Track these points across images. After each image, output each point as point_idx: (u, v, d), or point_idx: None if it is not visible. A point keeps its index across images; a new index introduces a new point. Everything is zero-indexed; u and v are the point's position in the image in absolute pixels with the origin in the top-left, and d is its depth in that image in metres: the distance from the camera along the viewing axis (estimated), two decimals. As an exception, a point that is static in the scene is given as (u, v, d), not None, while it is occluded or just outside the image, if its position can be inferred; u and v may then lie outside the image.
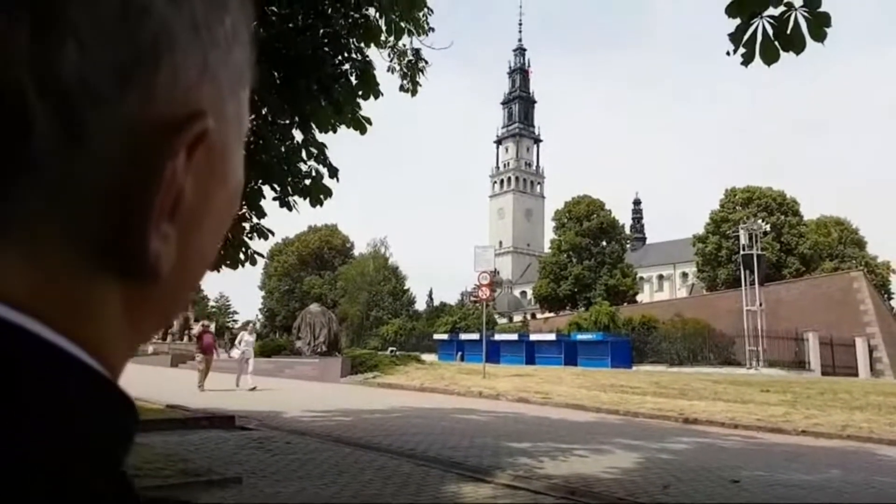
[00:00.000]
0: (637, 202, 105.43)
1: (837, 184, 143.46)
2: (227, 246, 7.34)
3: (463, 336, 35.72)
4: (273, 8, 6.68)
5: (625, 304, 49.34)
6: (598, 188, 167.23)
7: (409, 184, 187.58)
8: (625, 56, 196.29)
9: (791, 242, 50.62)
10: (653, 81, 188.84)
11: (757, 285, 33.35)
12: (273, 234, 7.58)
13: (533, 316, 62.60)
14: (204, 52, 0.29)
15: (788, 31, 3.70)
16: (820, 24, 3.68)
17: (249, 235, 7.48)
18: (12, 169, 0.24)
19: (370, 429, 9.44)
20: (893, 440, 9.28)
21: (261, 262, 8.30)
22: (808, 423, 10.68)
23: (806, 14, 3.69)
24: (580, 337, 31.93)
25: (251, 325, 20.15)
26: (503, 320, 58.75)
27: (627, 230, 73.45)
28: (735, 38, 3.78)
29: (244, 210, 7.35)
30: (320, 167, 7.45)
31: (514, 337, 35.17)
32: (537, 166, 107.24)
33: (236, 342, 18.55)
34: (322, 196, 7.42)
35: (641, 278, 72.28)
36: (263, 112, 7.21)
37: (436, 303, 67.27)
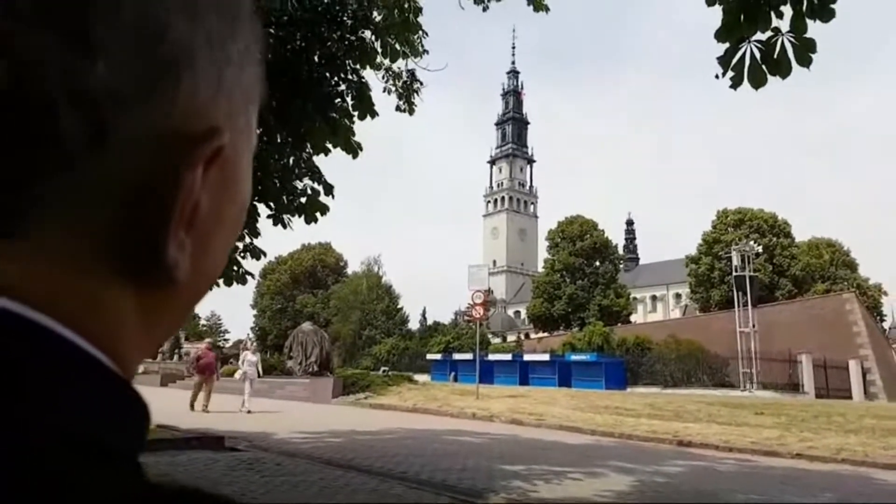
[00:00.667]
0: (630, 222, 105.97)
1: (829, 206, 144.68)
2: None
3: (456, 356, 35.56)
4: (271, 30, 6.75)
5: (618, 324, 49.29)
6: (590, 208, 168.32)
7: (404, 202, 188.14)
8: (618, 78, 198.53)
9: (783, 264, 50.83)
10: (646, 102, 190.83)
11: (750, 307, 33.42)
12: (265, 254, 7.59)
13: (527, 336, 62.52)
14: (220, 69, 0.30)
15: (775, 56, 3.77)
16: (805, 50, 3.76)
17: (242, 254, 7.48)
18: (42, 171, 0.25)
19: (362, 450, 9.36)
20: (888, 464, 9.25)
21: (253, 279, 8.29)
22: (802, 446, 10.64)
23: (792, 39, 3.77)
24: (574, 357, 31.85)
25: (253, 343, 19.98)
26: (497, 340, 58.51)
27: (620, 250, 73.58)
28: (724, 61, 3.85)
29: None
30: (315, 185, 7.48)
31: (508, 357, 35.05)
32: (531, 186, 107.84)
33: (239, 362, 17.67)
34: (317, 213, 7.44)
35: (635, 298, 72.31)
36: (259, 131, 7.25)
37: (429, 322, 66.95)
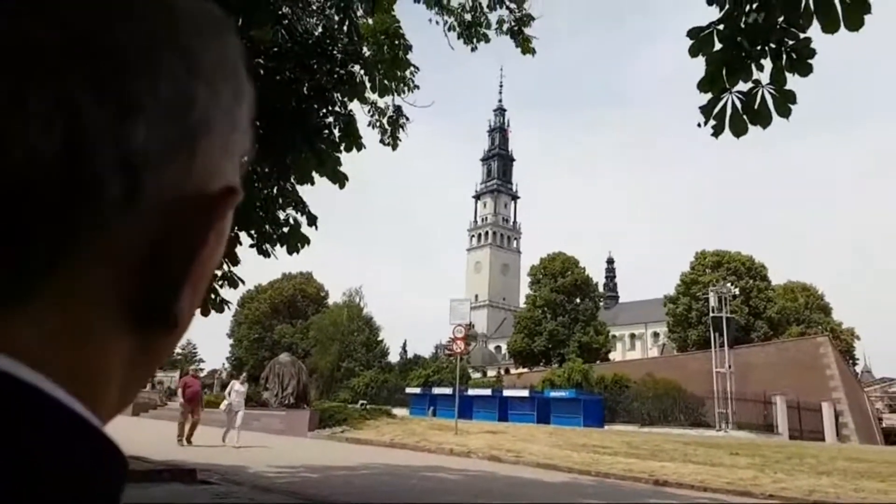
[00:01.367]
0: (610, 261, 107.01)
1: (805, 250, 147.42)
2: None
3: (436, 390, 35.19)
4: (261, 60, 6.83)
5: (597, 361, 49.32)
6: (572, 246, 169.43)
7: (388, 234, 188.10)
8: (602, 120, 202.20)
9: (759, 306, 51.45)
10: (629, 144, 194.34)
11: (726, 347, 33.73)
12: (244, 282, 7.53)
13: (507, 371, 62.19)
14: (229, 134, 0.34)
15: (756, 107, 3.90)
16: (785, 101, 3.89)
17: (220, 283, 7.42)
18: (80, 229, 0.28)
19: (337, 486, 9.20)
20: (860, 506, 9.32)
21: (230, 309, 8.21)
22: (775, 487, 10.67)
23: (772, 91, 3.90)
24: (553, 394, 31.73)
25: (244, 374, 18.18)
26: (477, 375, 58.10)
27: (601, 288, 74.12)
28: (706, 110, 3.97)
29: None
30: (298, 215, 7.49)
31: (488, 392, 34.80)
32: (514, 222, 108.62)
33: (226, 392, 16.29)
34: (300, 244, 7.43)
35: (614, 336, 72.56)
36: (244, 160, 7.26)
37: (409, 355, 66.49)
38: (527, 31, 8.79)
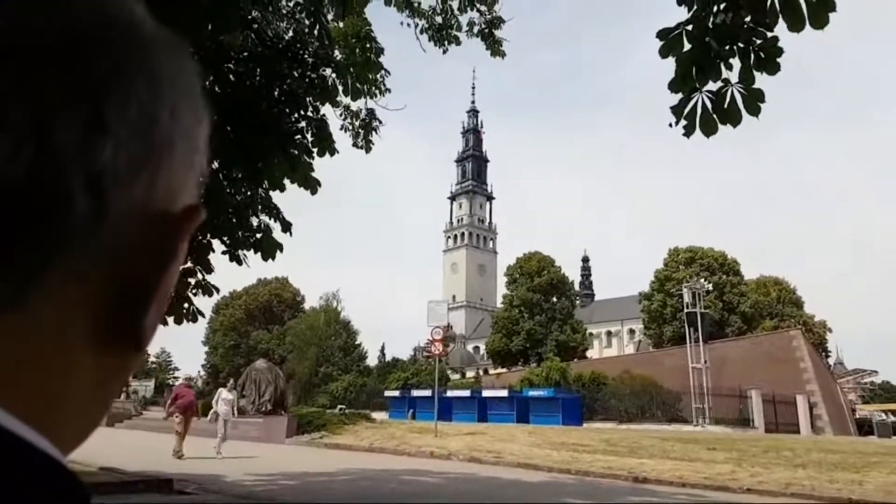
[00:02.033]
0: (585, 259, 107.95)
1: (776, 245, 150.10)
2: (171, 301, 7.12)
3: (415, 392, 35.11)
4: (230, 65, 6.73)
5: (575, 360, 49.64)
6: (548, 245, 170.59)
7: (363, 237, 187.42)
8: (574, 120, 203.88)
9: (733, 301, 52.25)
10: (601, 143, 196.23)
11: (701, 343, 34.16)
12: (218, 290, 7.41)
13: (486, 371, 62.34)
14: (190, 154, 0.35)
15: (726, 106, 3.94)
16: (754, 100, 3.94)
17: (194, 291, 7.29)
18: (45, 249, 0.28)
19: (316, 493, 9.11)
20: (834, 497, 9.47)
21: (204, 319, 8.09)
22: (753, 480, 10.82)
23: (741, 90, 3.95)
24: (532, 393, 31.83)
25: (231, 381, 17.44)
26: (456, 376, 58.13)
27: (577, 287, 74.64)
28: (677, 110, 4.00)
29: (190, 265, 7.18)
30: (272, 221, 7.40)
31: (467, 393, 34.79)
32: (490, 222, 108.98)
33: (213, 401, 15.53)
34: (273, 250, 7.34)
35: (591, 334, 73.15)
36: (215, 166, 7.16)
37: (388, 358, 66.30)
38: (498, 33, 8.81)
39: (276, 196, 7.38)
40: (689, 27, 3.89)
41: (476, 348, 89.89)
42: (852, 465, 12.75)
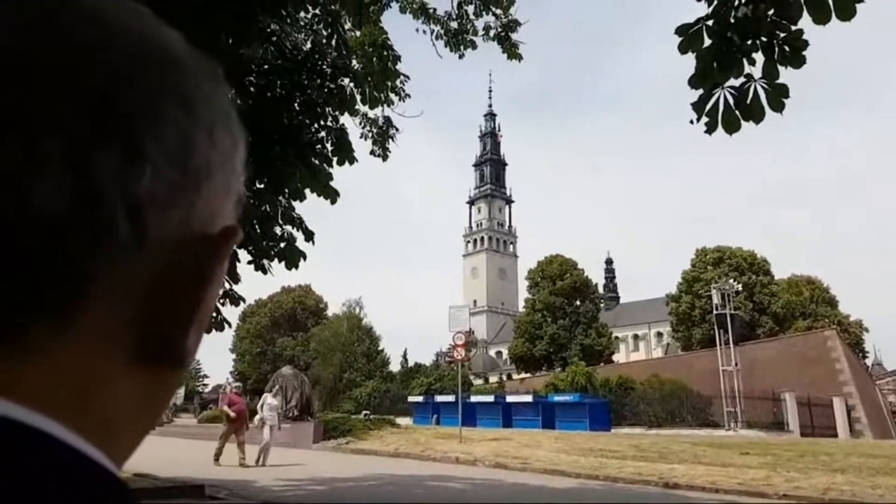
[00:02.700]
0: (609, 261, 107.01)
1: (808, 243, 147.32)
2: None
3: (438, 398, 35.05)
4: (251, 78, 6.80)
5: (601, 364, 49.13)
6: (570, 247, 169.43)
7: (384, 244, 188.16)
8: (596, 120, 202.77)
9: (763, 302, 51.23)
10: (624, 143, 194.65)
11: (732, 345, 33.53)
12: (244, 300, 7.49)
13: (509, 376, 61.96)
14: (227, 177, 0.36)
15: (748, 102, 3.85)
16: (778, 95, 3.84)
17: (221, 301, 7.38)
18: (88, 272, 0.29)
19: (343, 497, 9.12)
20: (877, 503, 9.20)
21: (233, 323, 8.17)
22: (789, 486, 10.54)
23: (765, 85, 3.85)
24: (558, 398, 31.54)
25: (276, 386, 16.84)
26: (479, 381, 57.87)
27: (601, 289, 73.93)
28: (698, 107, 3.92)
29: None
30: (295, 231, 7.45)
31: (491, 399, 34.60)
32: (509, 226, 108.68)
33: (258, 406, 15.13)
34: (297, 259, 7.39)
35: (617, 338, 72.39)
36: (239, 177, 7.23)
37: (410, 364, 66.30)
38: (514, 36, 8.78)
39: (298, 205, 7.44)
40: (710, 22, 3.81)
41: (499, 353, 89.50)
42: (895, 470, 12.38)
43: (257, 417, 14.63)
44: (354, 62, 7.86)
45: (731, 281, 40.15)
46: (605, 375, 37.03)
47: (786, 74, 3.82)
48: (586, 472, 12.64)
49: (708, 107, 3.85)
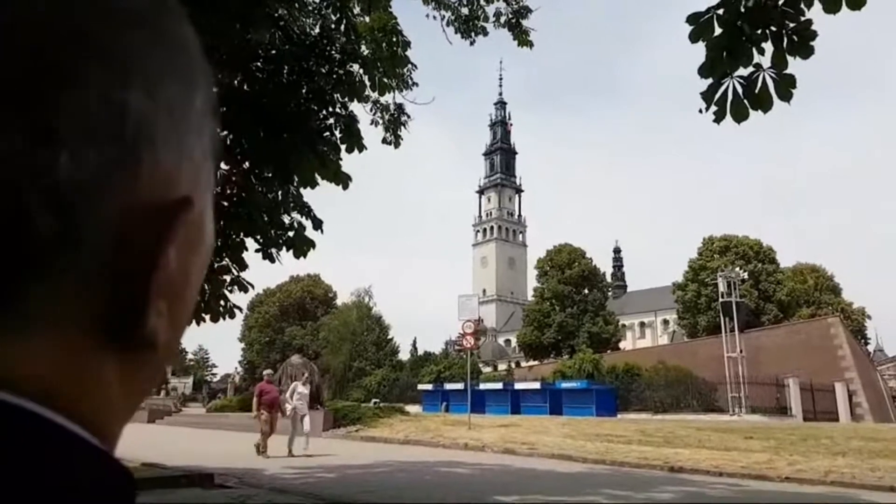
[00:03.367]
0: (617, 250, 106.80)
1: (812, 232, 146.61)
2: (207, 299, 7.28)
3: (447, 386, 35.29)
4: (258, 64, 6.83)
5: (608, 351, 49.28)
6: (578, 237, 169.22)
7: (394, 233, 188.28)
8: (604, 109, 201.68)
9: (769, 290, 51.25)
10: (632, 132, 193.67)
11: (737, 332, 33.60)
12: (253, 286, 7.52)
13: (517, 364, 62.23)
14: (180, 135, 0.31)
15: (757, 91, 3.88)
16: (787, 85, 3.87)
17: (230, 288, 7.43)
18: (17, 264, 0.26)
19: (354, 485, 9.24)
20: (876, 485, 9.27)
21: (241, 313, 8.22)
22: (791, 469, 10.63)
23: (773, 75, 3.88)
24: (565, 385, 31.71)
25: (305, 374, 16.05)
26: (488, 369, 58.20)
27: (608, 278, 73.92)
28: (707, 96, 3.95)
29: (225, 262, 7.32)
30: (303, 219, 7.49)
31: (499, 386, 34.83)
32: (519, 215, 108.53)
33: (287, 395, 14.38)
34: (305, 248, 7.43)
35: (623, 325, 72.45)
36: (246, 165, 7.28)
37: (420, 352, 66.62)
38: (525, 23, 8.77)
39: (307, 193, 7.48)
40: (720, 11, 3.83)
41: (507, 341, 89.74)
42: (894, 453, 12.45)
43: (289, 407, 14.02)
44: (363, 48, 7.85)
45: (737, 269, 40.13)
46: (612, 362, 37.14)
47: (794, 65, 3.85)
48: (593, 456, 12.76)
49: (717, 96, 3.88)
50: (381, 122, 8.82)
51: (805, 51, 3.67)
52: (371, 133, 8.63)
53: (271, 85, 6.90)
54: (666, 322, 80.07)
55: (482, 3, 8.58)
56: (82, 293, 0.28)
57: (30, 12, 0.26)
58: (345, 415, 20.50)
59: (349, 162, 7.25)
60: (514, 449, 14.28)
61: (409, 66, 8.21)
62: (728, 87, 3.88)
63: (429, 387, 37.21)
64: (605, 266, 79.95)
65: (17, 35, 0.26)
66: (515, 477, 10.47)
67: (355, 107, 7.68)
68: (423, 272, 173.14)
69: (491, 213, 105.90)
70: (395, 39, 7.83)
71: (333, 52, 7.28)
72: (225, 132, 7.07)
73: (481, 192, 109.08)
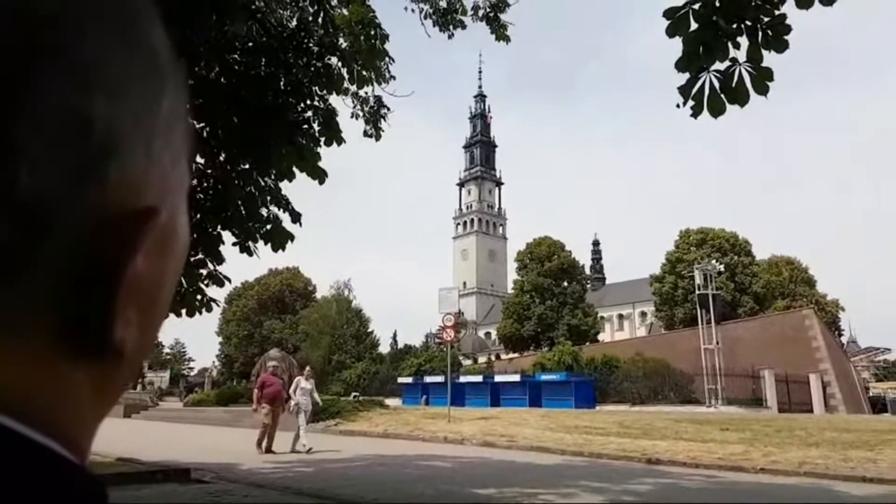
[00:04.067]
0: (596, 243, 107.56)
1: (787, 224, 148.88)
2: (183, 293, 7.19)
3: (428, 379, 35.33)
4: (235, 56, 6.73)
5: (587, 343, 49.64)
6: (558, 229, 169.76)
7: (374, 225, 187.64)
8: (582, 102, 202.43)
9: (744, 282, 51.92)
10: (610, 125, 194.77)
11: (713, 324, 34.04)
12: (230, 280, 7.45)
13: (497, 357, 62.45)
14: (147, 140, 0.30)
15: (734, 85, 3.90)
16: (762, 79, 3.90)
17: (206, 282, 7.34)
18: None
19: (332, 479, 9.21)
20: (848, 476, 9.46)
21: (218, 307, 8.14)
22: (766, 460, 10.81)
23: (749, 69, 3.91)
24: (544, 377, 31.92)
25: (308, 368, 15.34)
26: (468, 361, 58.33)
27: (587, 270, 74.44)
28: (684, 91, 3.97)
29: (201, 256, 7.23)
30: (281, 212, 7.41)
31: (479, 379, 34.94)
32: (499, 208, 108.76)
33: (290, 390, 13.83)
34: (283, 241, 7.36)
35: (602, 318, 73.02)
36: (223, 158, 7.19)
37: (400, 345, 66.60)
38: (503, 17, 8.74)
39: (285, 186, 7.40)
40: (696, 6, 3.85)
41: (487, 334, 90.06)
42: (866, 444, 12.70)
43: (292, 402, 13.55)
44: (341, 40, 7.78)
45: (714, 262, 40.57)
46: (591, 354, 37.45)
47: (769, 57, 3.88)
48: (571, 448, 12.87)
49: (694, 90, 3.90)
50: (361, 114, 8.76)
51: (779, 45, 3.70)
52: (353, 126, 8.56)
53: (248, 77, 6.81)
54: (644, 314, 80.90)
55: (461, -5, 8.54)
56: (48, 305, 0.28)
57: None
58: (323, 409, 20.39)
59: (329, 154, 7.18)
60: (494, 442, 14.35)
61: (388, 58, 8.15)
62: (705, 81, 3.89)
63: (409, 380, 37.22)
64: (584, 259, 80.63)
65: None
66: (494, 470, 10.51)
67: (336, 100, 7.62)
68: (403, 265, 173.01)
69: (471, 205, 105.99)
70: (373, 32, 7.76)
71: (311, 44, 7.20)
72: (202, 124, 6.97)
73: (461, 184, 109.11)
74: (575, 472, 10.10)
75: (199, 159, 7.02)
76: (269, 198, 7.29)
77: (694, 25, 3.86)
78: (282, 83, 6.93)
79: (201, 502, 7.32)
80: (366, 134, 8.76)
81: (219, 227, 7.21)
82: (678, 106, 3.95)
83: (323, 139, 7.03)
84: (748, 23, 3.72)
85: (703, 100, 3.89)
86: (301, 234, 7.57)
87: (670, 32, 3.85)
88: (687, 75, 3.91)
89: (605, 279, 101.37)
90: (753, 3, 3.72)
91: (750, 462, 10.71)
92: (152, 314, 0.32)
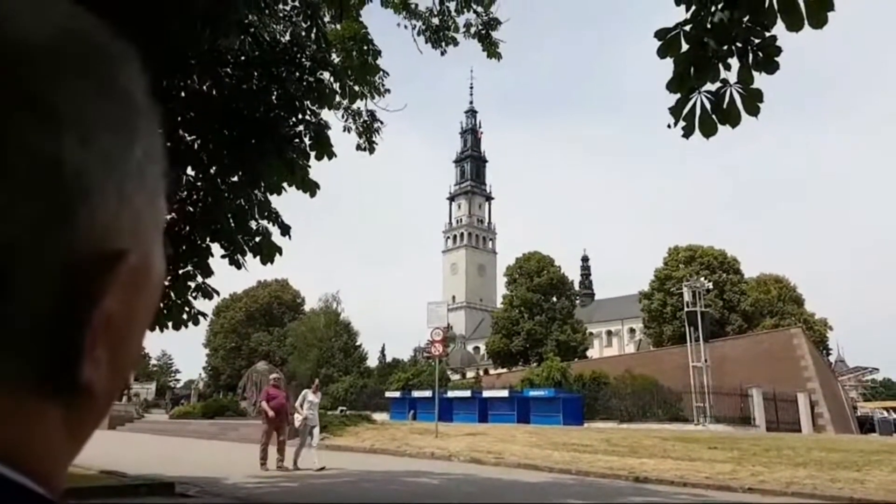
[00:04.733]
0: (585, 259, 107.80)
1: (776, 243, 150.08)
2: (170, 306, 7.13)
3: (416, 393, 35.10)
4: (228, 70, 6.73)
5: (575, 359, 49.60)
6: (547, 245, 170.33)
7: (363, 238, 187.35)
8: (573, 120, 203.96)
9: (733, 300, 52.17)
10: (601, 142, 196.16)
11: (702, 342, 34.07)
12: (218, 293, 7.41)
13: (486, 372, 62.27)
14: (119, 184, 0.30)
15: (725, 106, 3.93)
16: (753, 100, 3.93)
17: (194, 295, 7.29)
18: None
19: (317, 495, 9.10)
20: (835, 496, 9.45)
21: (206, 319, 8.08)
22: (754, 480, 10.79)
23: (740, 90, 3.94)
24: (533, 393, 31.79)
25: (316, 381, 14.88)
26: (456, 376, 58.10)
27: (577, 286, 74.60)
28: (675, 111, 3.99)
29: (189, 269, 7.19)
30: (270, 225, 7.39)
31: (468, 394, 34.75)
32: (489, 223, 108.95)
33: (297, 404, 13.27)
34: (272, 253, 7.34)
35: (591, 334, 73.07)
36: (213, 170, 7.16)
37: (388, 359, 66.35)
38: (494, 35, 8.81)
39: (275, 199, 7.39)
40: (688, 27, 3.88)
41: (476, 349, 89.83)
42: (854, 464, 12.72)
43: (299, 417, 12.97)
44: (334, 56, 7.81)
45: (702, 279, 40.72)
46: (580, 370, 37.37)
47: (760, 79, 3.91)
48: (559, 466, 12.80)
49: (685, 111, 3.92)
50: (353, 128, 8.78)
51: (770, 66, 3.73)
52: (345, 139, 8.58)
53: (241, 91, 6.81)
54: (632, 331, 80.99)
55: (452, 14, 8.61)
56: (18, 347, 0.28)
57: None
58: (311, 423, 20.21)
59: (320, 168, 7.17)
60: (481, 458, 14.24)
61: (381, 73, 8.18)
62: (696, 102, 3.92)
63: (397, 394, 36.96)
64: (574, 274, 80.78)
65: None
66: (480, 487, 10.43)
67: (328, 114, 7.63)
68: (392, 278, 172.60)
69: (461, 219, 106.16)
70: (365, 48, 7.81)
71: (304, 59, 7.23)
72: (192, 137, 6.95)
73: (452, 198, 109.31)
74: (562, 491, 10.04)
75: (189, 171, 7.00)
76: (258, 210, 7.27)
77: (685, 46, 3.90)
78: (274, 97, 6.95)
79: (184, 519, 7.20)
80: (359, 147, 8.78)
81: (208, 239, 7.18)
82: (669, 126, 3.97)
83: (314, 153, 7.03)
84: (739, 44, 3.76)
85: (695, 120, 3.91)
86: (290, 246, 7.55)
87: (662, 53, 3.88)
88: (678, 96, 3.94)
89: (594, 295, 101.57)
90: (744, 25, 3.75)
91: (738, 481, 10.68)
92: (124, 352, 0.33)
